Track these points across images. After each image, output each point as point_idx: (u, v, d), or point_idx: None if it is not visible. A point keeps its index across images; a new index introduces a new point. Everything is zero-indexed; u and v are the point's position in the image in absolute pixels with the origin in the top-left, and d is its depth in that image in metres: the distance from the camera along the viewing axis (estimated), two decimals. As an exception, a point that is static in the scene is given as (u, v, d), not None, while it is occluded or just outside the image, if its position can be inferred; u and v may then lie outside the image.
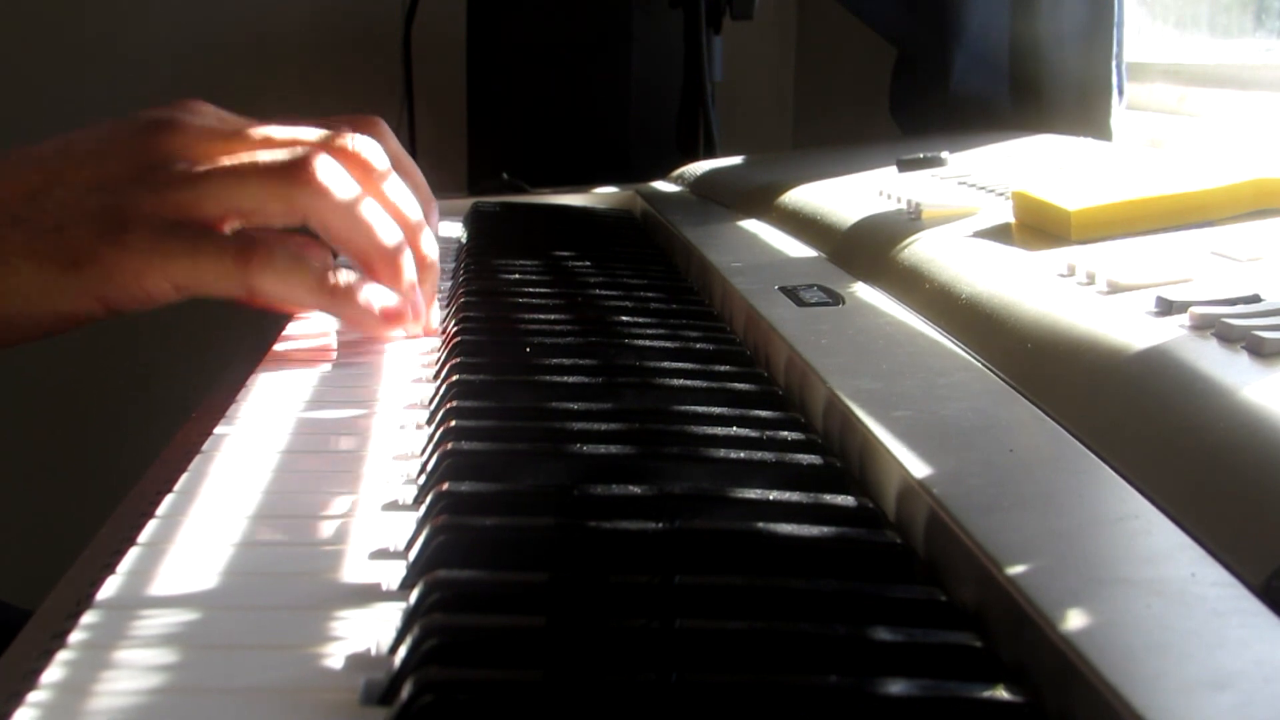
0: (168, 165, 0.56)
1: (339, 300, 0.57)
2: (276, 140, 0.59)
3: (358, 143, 0.59)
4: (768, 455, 0.42)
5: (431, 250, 0.63)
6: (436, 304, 0.64)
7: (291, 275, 0.56)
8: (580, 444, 0.43)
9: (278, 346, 0.60)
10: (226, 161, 0.57)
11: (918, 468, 0.37)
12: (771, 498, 0.38)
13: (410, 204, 0.62)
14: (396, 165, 0.66)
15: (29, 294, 0.55)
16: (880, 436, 0.40)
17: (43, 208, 0.55)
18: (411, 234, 0.61)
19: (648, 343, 0.56)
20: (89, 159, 0.56)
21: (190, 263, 0.55)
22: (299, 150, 0.57)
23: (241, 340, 0.62)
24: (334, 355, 0.59)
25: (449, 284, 0.75)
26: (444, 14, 1.43)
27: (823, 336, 0.52)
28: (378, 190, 0.60)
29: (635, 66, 1.32)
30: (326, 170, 0.56)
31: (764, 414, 0.47)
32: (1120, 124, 0.96)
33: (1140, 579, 0.30)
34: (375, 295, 0.58)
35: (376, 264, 0.59)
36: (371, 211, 0.58)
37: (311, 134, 0.60)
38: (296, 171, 0.56)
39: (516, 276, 0.72)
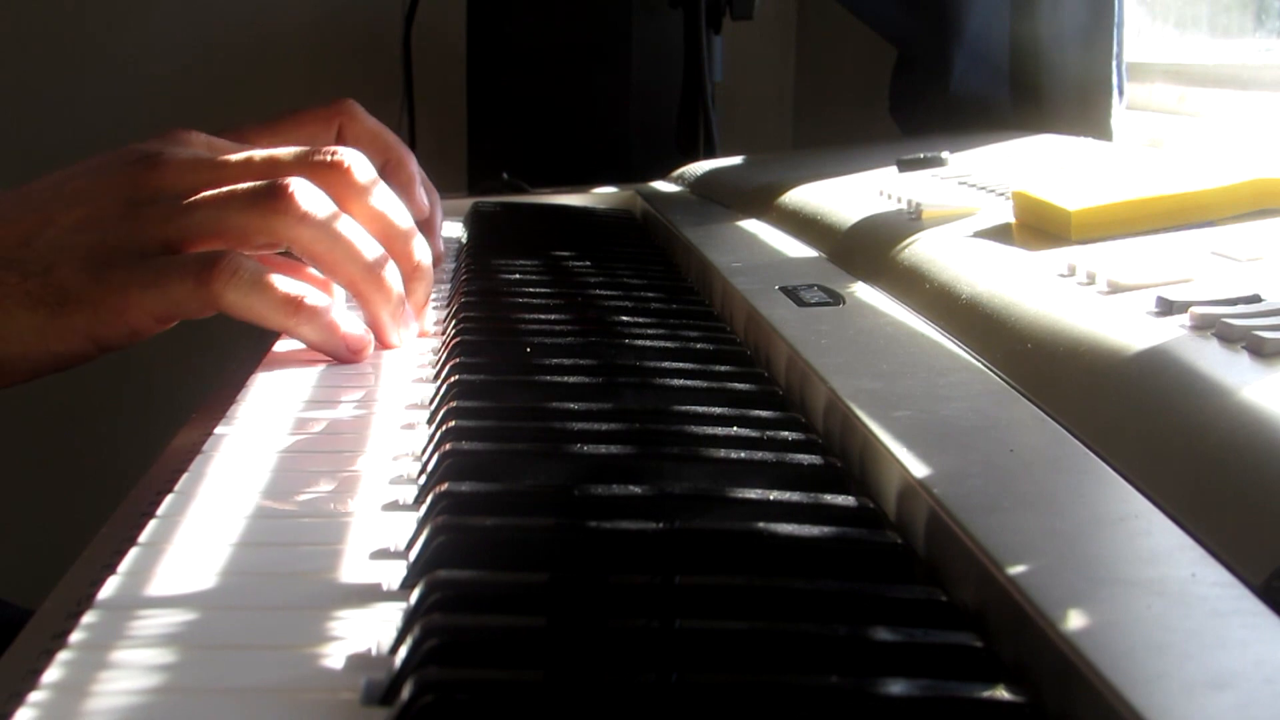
0: (153, 200, 0.56)
1: (302, 320, 0.56)
2: (257, 164, 0.58)
3: (339, 157, 0.59)
4: (768, 455, 0.42)
5: (424, 254, 0.62)
6: (429, 307, 0.63)
7: (254, 292, 0.55)
8: (580, 444, 0.43)
9: (278, 346, 0.60)
10: (208, 192, 0.57)
11: (918, 468, 0.37)
12: (772, 498, 0.38)
13: (398, 212, 0.61)
14: (389, 159, 0.66)
15: (24, 336, 0.55)
16: (880, 436, 0.40)
17: (35, 250, 0.55)
18: (401, 242, 0.60)
19: (648, 343, 0.56)
20: (78, 199, 0.57)
21: (159, 290, 0.55)
22: (276, 175, 0.57)
23: (241, 340, 0.62)
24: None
25: (449, 284, 0.75)
26: (444, 14, 1.43)
27: (823, 336, 0.52)
28: (361, 204, 0.59)
29: (635, 66, 1.32)
30: (304, 194, 0.56)
31: (764, 414, 0.47)
32: (1120, 124, 0.96)
33: (1140, 579, 0.30)
34: (342, 321, 0.57)
35: (361, 283, 0.58)
36: (351, 230, 0.57)
37: (291, 154, 0.59)
38: (275, 199, 0.56)
39: (516, 276, 0.72)
